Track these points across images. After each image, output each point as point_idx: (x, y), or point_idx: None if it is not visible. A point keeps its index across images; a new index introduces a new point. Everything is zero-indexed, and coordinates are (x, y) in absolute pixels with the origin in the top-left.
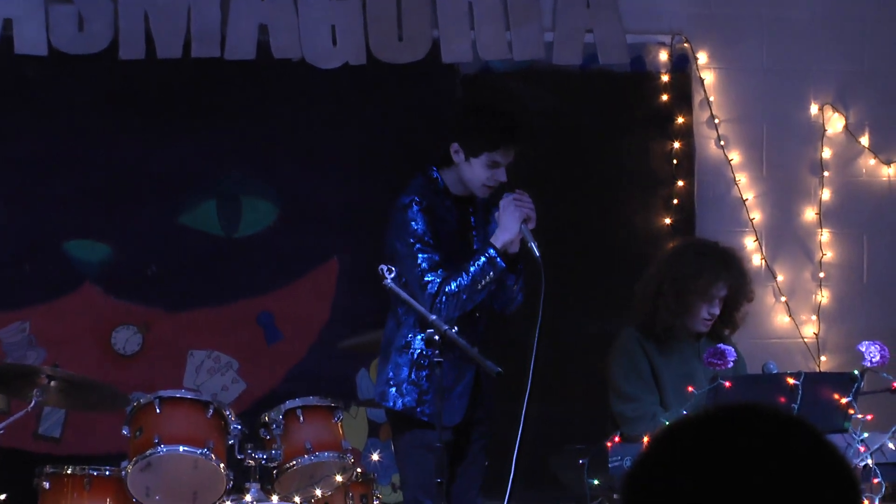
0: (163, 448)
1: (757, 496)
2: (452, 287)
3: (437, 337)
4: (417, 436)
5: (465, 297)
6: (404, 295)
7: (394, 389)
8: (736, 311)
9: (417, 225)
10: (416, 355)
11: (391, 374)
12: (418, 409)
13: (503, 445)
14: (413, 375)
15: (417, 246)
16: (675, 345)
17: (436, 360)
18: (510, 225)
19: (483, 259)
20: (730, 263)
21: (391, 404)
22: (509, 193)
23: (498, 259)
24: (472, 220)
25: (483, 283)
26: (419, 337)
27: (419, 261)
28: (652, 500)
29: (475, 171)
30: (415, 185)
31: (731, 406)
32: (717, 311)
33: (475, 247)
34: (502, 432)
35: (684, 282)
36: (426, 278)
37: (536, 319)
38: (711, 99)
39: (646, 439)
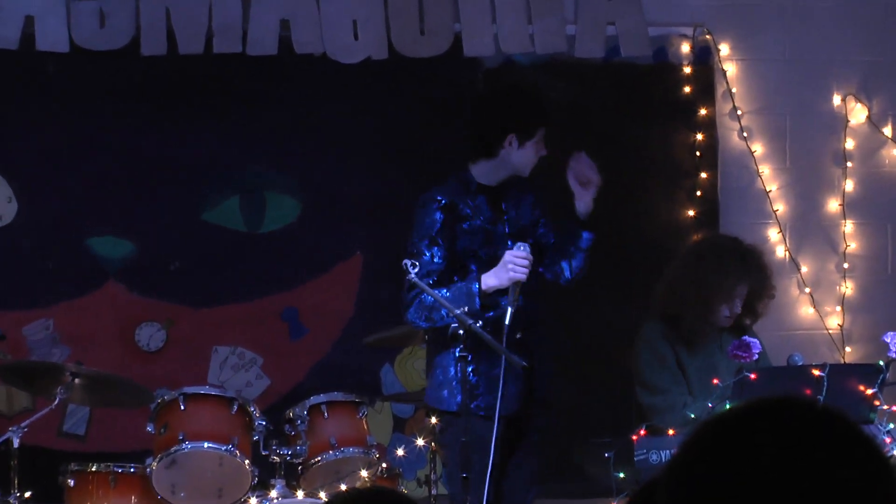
0: (188, 445)
1: (799, 489)
2: (427, 299)
3: (461, 332)
4: (451, 429)
5: (428, 313)
6: (427, 289)
7: (445, 391)
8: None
9: (431, 221)
10: (457, 352)
11: (440, 376)
12: (472, 405)
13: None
14: (459, 372)
15: (425, 242)
16: (697, 335)
17: (459, 354)
18: (503, 277)
19: (464, 288)
20: (751, 263)
21: (445, 407)
22: (521, 245)
23: (476, 298)
24: (504, 205)
25: (453, 309)
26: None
27: (423, 258)
28: (694, 494)
29: (528, 154)
30: (450, 185)
31: (768, 399)
32: (738, 310)
33: (506, 230)
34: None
35: (706, 285)
36: (403, 262)
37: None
38: (734, 90)
39: (671, 432)
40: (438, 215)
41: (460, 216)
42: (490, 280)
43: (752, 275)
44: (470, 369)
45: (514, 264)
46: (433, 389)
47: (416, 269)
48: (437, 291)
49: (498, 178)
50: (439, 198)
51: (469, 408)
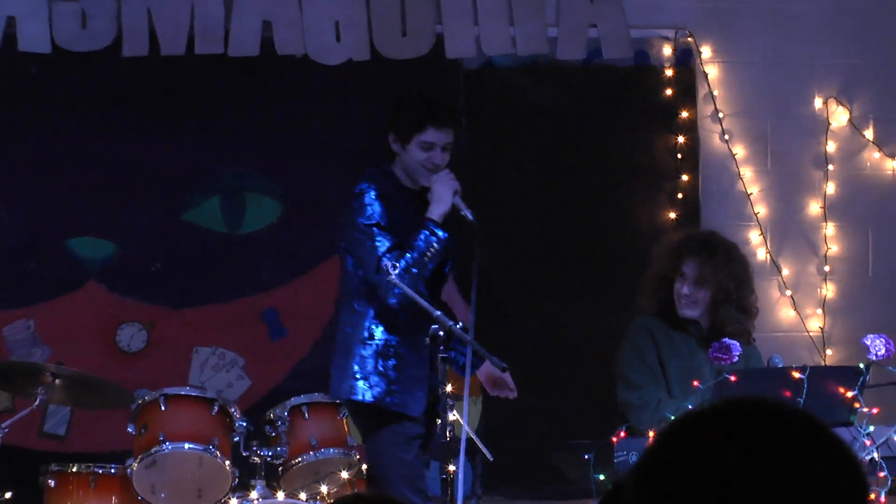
0: (168, 445)
1: (765, 491)
2: (402, 264)
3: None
4: (395, 429)
5: (416, 271)
6: (409, 291)
7: (361, 382)
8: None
9: (373, 209)
10: (380, 346)
11: (356, 367)
12: (388, 400)
13: (506, 439)
14: (380, 366)
15: (374, 230)
16: (683, 337)
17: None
18: (444, 196)
19: (424, 233)
20: (707, 246)
21: (360, 397)
22: (441, 171)
23: (438, 230)
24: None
25: (429, 255)
26: (381, 328)
27: (377, 243)
28: (659, 494)
29: (412, 156)
30: (370, 173)
31: (737, 400)
32: (687, 292)
33: None
34: (502, 426)
35: (660, 257)
36: (383, 261)
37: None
38: (715, 93)
39: (651, 434)
40: (378, 203)
41: (392, 205)
42: (436, 209)
43: (702, 256)
44: (392, 364)
45: (448, 178)
46: (347, 380)
47: (397, 270)
48: (407, 256)
49: (410, 184)
50: (375, 186)
51: (385, 401)
